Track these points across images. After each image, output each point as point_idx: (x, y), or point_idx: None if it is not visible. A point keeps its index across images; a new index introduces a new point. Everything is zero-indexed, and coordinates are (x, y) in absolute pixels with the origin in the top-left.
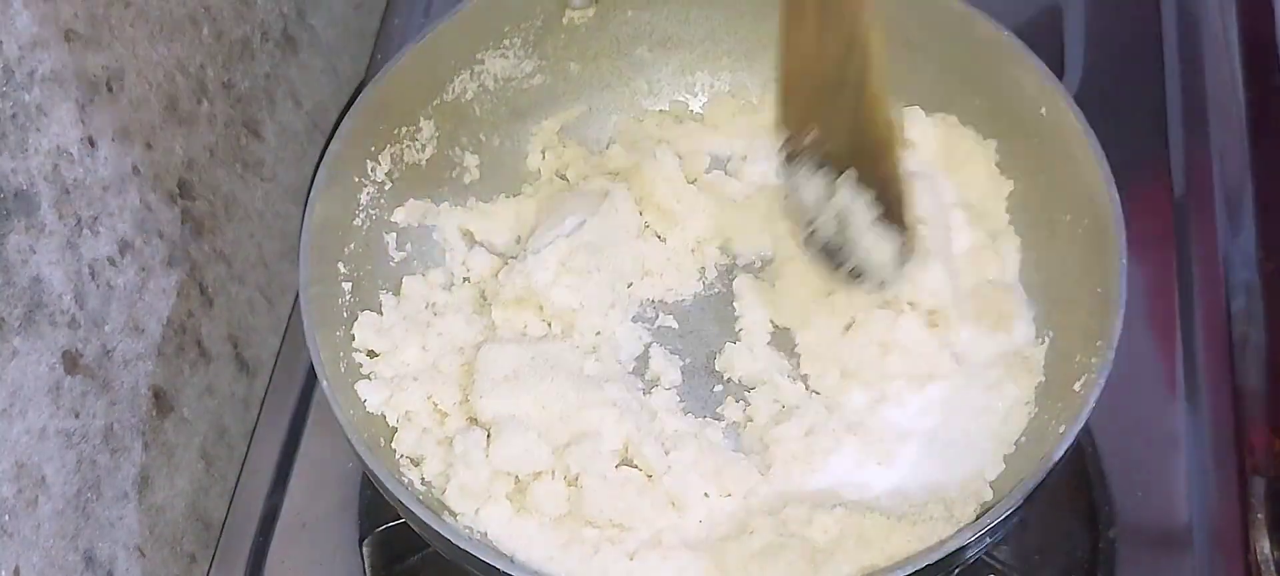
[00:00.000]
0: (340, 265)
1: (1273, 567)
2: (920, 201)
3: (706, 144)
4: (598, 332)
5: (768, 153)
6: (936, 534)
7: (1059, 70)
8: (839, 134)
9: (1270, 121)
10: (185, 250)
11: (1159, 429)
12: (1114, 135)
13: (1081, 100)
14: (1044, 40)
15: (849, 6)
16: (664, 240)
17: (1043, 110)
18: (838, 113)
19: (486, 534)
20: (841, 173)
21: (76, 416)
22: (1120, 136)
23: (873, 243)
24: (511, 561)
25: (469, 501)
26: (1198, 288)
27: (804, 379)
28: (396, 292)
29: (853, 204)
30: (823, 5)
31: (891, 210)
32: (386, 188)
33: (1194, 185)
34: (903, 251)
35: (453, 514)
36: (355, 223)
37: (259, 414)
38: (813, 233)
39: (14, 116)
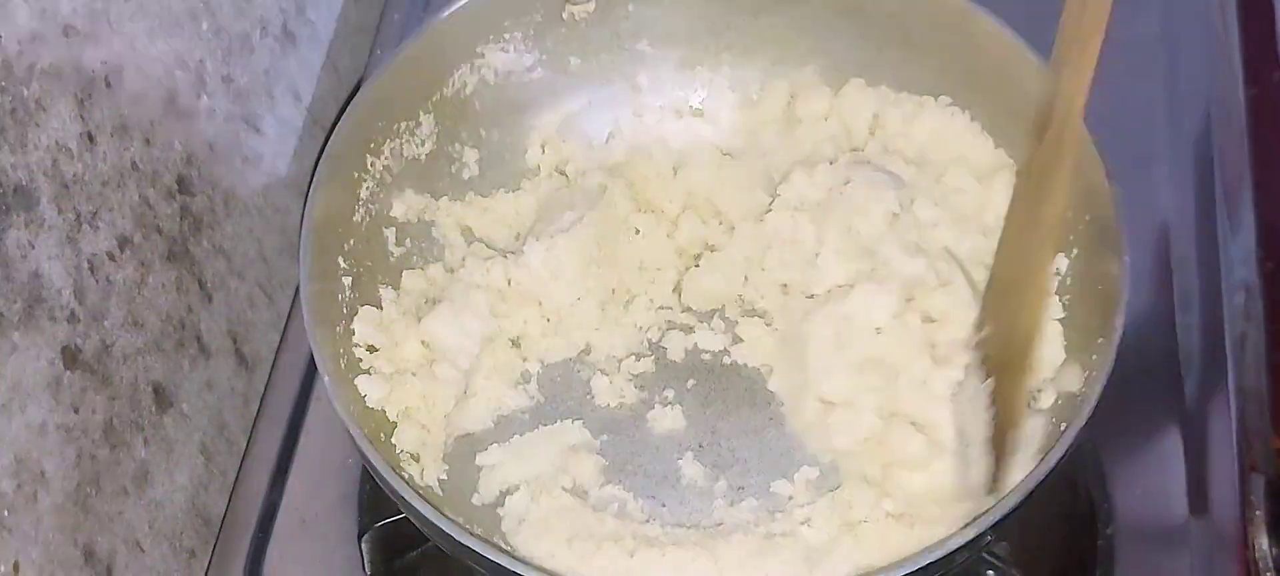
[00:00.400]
0: (340, 260)
1: (1271, 565)
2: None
3: (706, 139)
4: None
5: (766, 147)
6: (935, 533)
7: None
8: (1001, 334)
9: (1270, 119)
10: (185, 245)
11: (1157, 427)
12: (1114, 132)
13: None
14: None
15: (1046, 211)
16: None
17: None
18: (1004, 314)
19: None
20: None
21: (76, 411)
22: (1120, 133)
23: (974, 458)
24: (511, 557)
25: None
26: (1197, 285)
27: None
28: (396, 287)
29: (980, 412)
30: (1030, 204)
31: (999, 432)
32: (386, 182)
33: (1194, 183)
34: (989, 481)
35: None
36: (355, 218)
37: (259, 409)
38: None
39: (13, 111)
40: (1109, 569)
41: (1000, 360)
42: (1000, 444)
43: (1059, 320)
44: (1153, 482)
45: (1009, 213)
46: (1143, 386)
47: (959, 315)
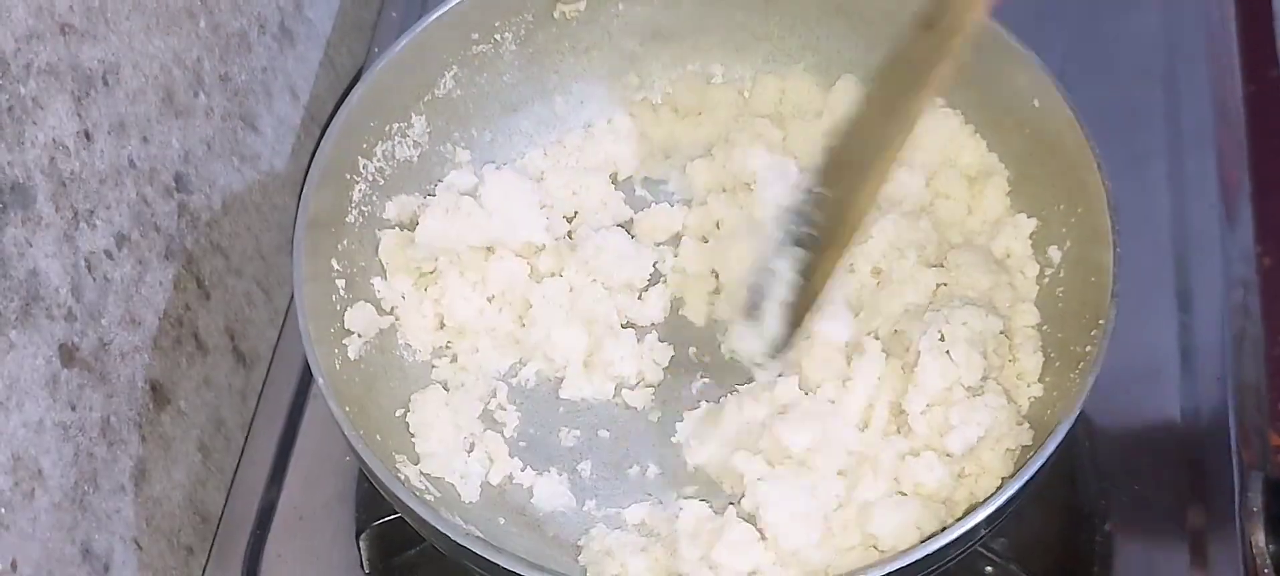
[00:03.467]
0: (334, 261)
1: (1269, 562)
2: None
3: (697, 136)
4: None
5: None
6: (933, 525)
7: (1056, 62)
8: (829, 208)
9: (1268, 116)
10: (182, 243)
11: (1155, 422)
12: (1113, 129)
13: (1076, 92)
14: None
15: (904, 109)
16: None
17: (1035, 101)
18: (837, 188)
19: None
20: (803, 242)
21: (73, 409)
22: (1118, 130)
23: (767, 321)
24: (506, 554)
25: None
26: (1195, 282)
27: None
28: (390, 288)
29: (785, 275)
30: (891, 94)
31: (800, 305)
32: (379, 184)
33: (1191, 178)
34: (775, 346)
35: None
36: (348, 219)
37: (256, 406)
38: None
39: (10, 109)
40: (1107, 564)
41: (822, 230)
42: (799, 311)
43: (1052, 315)
44: (1151, 478)
45: (876, 85)
46: (1141, 382)
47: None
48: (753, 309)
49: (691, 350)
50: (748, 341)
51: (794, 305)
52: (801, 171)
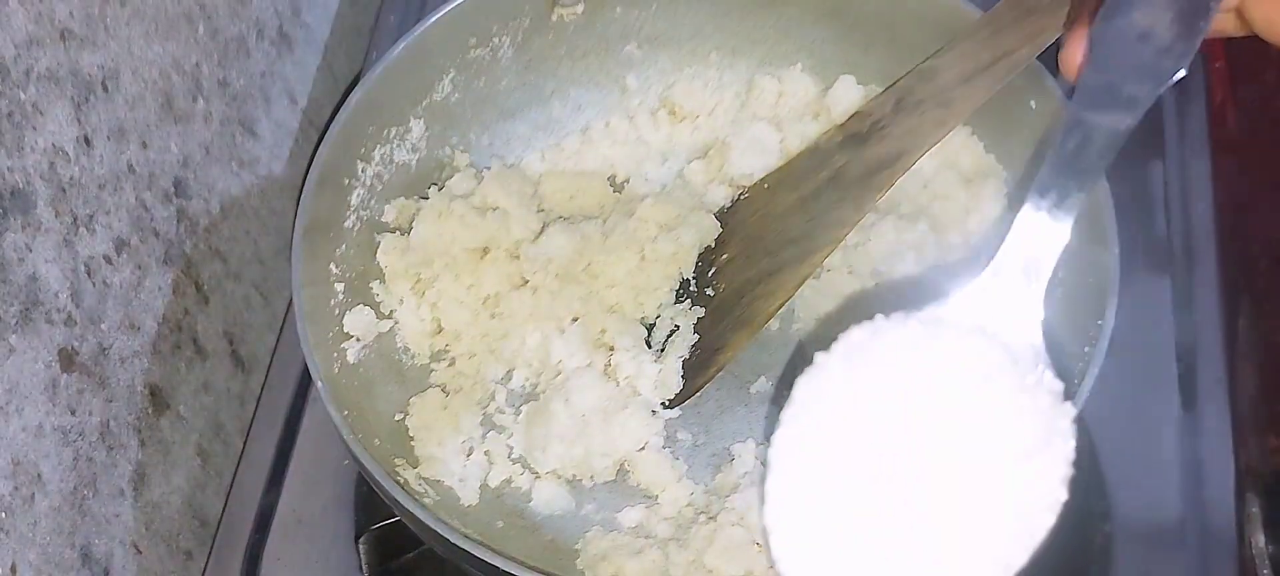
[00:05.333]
0: (332, 266)
1: (1268, 562)
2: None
3: (694, 139)
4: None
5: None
6: None
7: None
8: (733, 281)
9: (1265, 115)
10: (181, 248)
11: (1154, 423)
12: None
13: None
14: None
15: (831, 217)
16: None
17: (1032, 102)
18: (747, 266)
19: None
20: (700, 302)
21: (73, 413)
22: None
23: (664, 372)
24: (505, 557)
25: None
26: (1194, 281)
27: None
28: (389, 292)
29: (685, 332)
30: (818, 193)
31: (695, 370)
32: (377, 188)
33: (1190, 178)
34: (669, 403)
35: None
36: (346, 223)
37: (255, 410)
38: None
39: (10, 115)
40: (1105, 566)
41: (722, 296)
42: (694, 371)
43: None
44: (1149, 479)
45: (783, 171)
46: (1140, 383)
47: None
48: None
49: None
50: (643, 382)
51: (690, 364)
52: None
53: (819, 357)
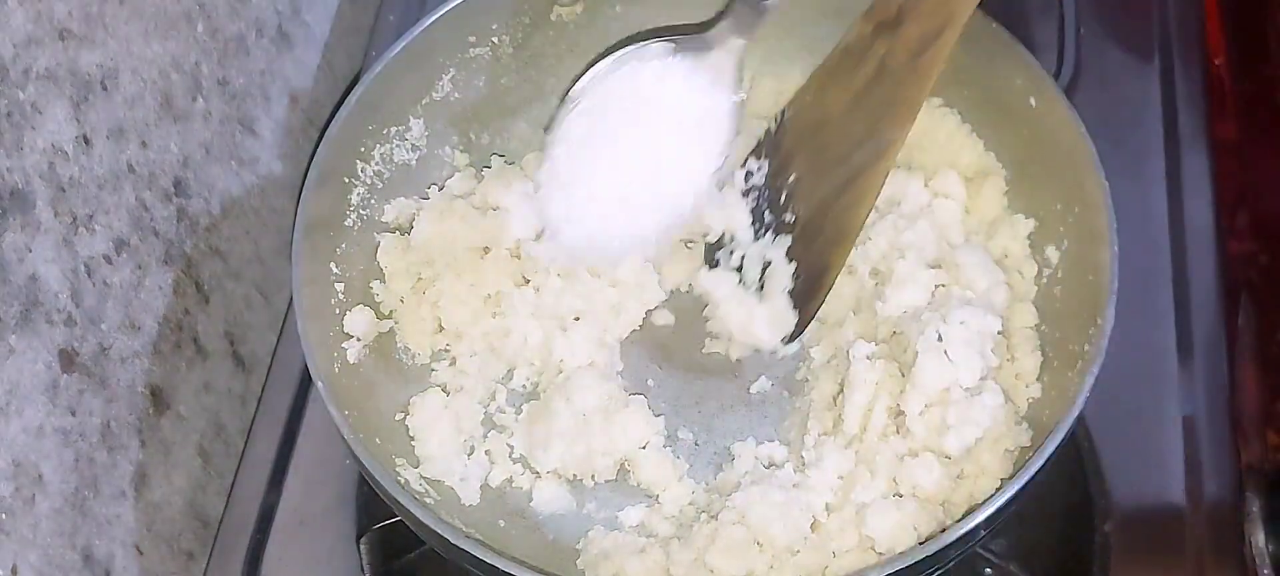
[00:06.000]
0: (332, 265)
1: (1269, 562)
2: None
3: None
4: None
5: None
6: (931, 527)
7: (1055, 61)
8: (811, 199)
9: (1263, 113)
10: (181, 247)
11: (1154, 422)
12: (1105, 126)
13: (1073, 91)
14: (1039, 32)
15: (893, 108)
16: None
17: (1032, 100)
18: (822, 180)
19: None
20: (786, 229)
21: (73, 414)
22: (1112, 127)
23: (774, 310)
24: (506, 557)
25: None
26: (1192, 281)
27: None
28: (389, 291)
29: (780, 264)
30: (869, 88)
31: (806, 294)
32: (377, 187)
33: (1189, 177)
34: (789, 337)
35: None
36: (347, 223)
37: (256, 410)
38: (718, 242)
39: (9, 115)
40: (1106, 564)
41: (814, 220)
42: (805, 298)
43: (1050, 315)
44: (1150, 478)
45: (826, 74)
46: (1140, 382)
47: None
48: (716, 264)
49: (689, 353)
50: (757, 325)
51: (798, 293)
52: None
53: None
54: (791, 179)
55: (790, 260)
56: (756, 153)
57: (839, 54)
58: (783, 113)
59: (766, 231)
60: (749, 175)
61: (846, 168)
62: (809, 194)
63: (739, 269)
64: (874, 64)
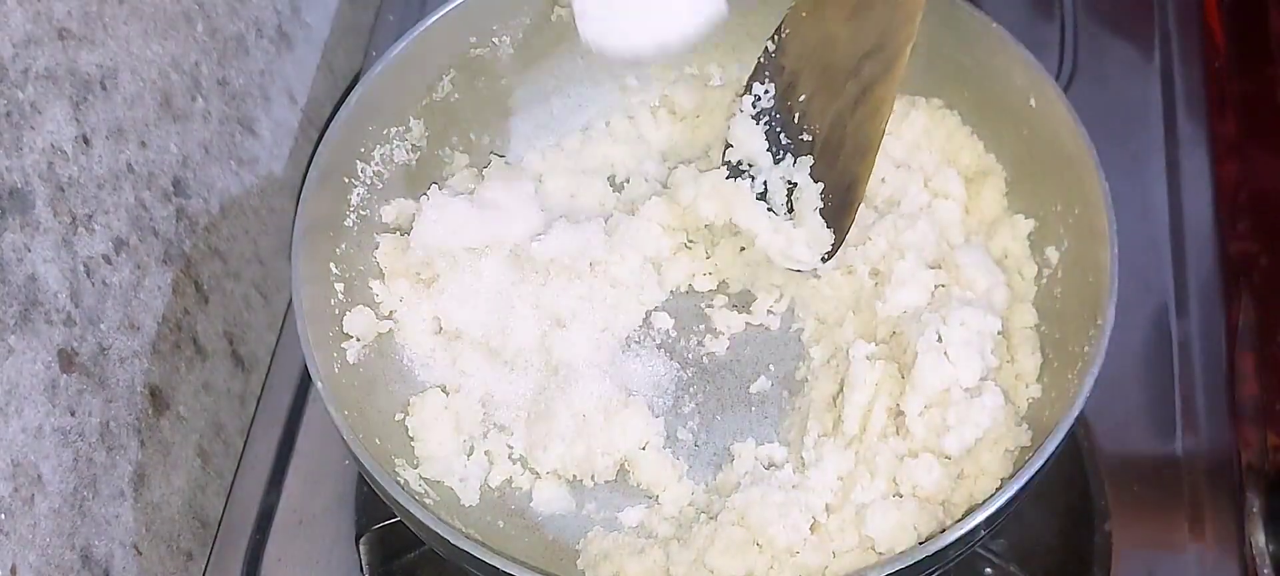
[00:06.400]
0: (332, 265)
1: (1269, 562)
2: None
3: (695, 138)
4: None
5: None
6: (931, 527)
7: (1055, 62)
8: (825, 116)
9: (1263, 114)
10: (180, 247)
11: (1154, 422)
12: (1105, 126)
13: (1073, 91)
14: (1039, 32)
15: (896, 15)
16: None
17: (1032, 101)
18: (835, 97)
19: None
20: (805, 149)
21: (73, 414)
22: (1112, 127)
23: (809, 231)
24: (505, 558)
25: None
26: (1192, 281)
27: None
28: (389, 291)
29: (807, 185)
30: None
31: (837, 211)
32: (377, 187)
33: (1188, 177)
34: (828, 254)
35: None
36: (346, 223)
37: (255, 410)
38: (737, 167)
39: (8, 115)
40: (1106, 565)
41: (832, 136)
42: (837, 214)
43: (1050, 315)
44: (1149, 478)
45: None
46: (1140, 382)
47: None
48: (738, 174)
49: (689, 353)
50: (796, 248)
51: (828, 210)
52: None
53: None
54: (802, 98)
55: (816, 180)
56: (758, 76)
57: None
58: (779, 32)
59: (785, 154)
60: (757, 100)
61: (857, 81)
62: (822, 111)
63: (763, 195)
64: None
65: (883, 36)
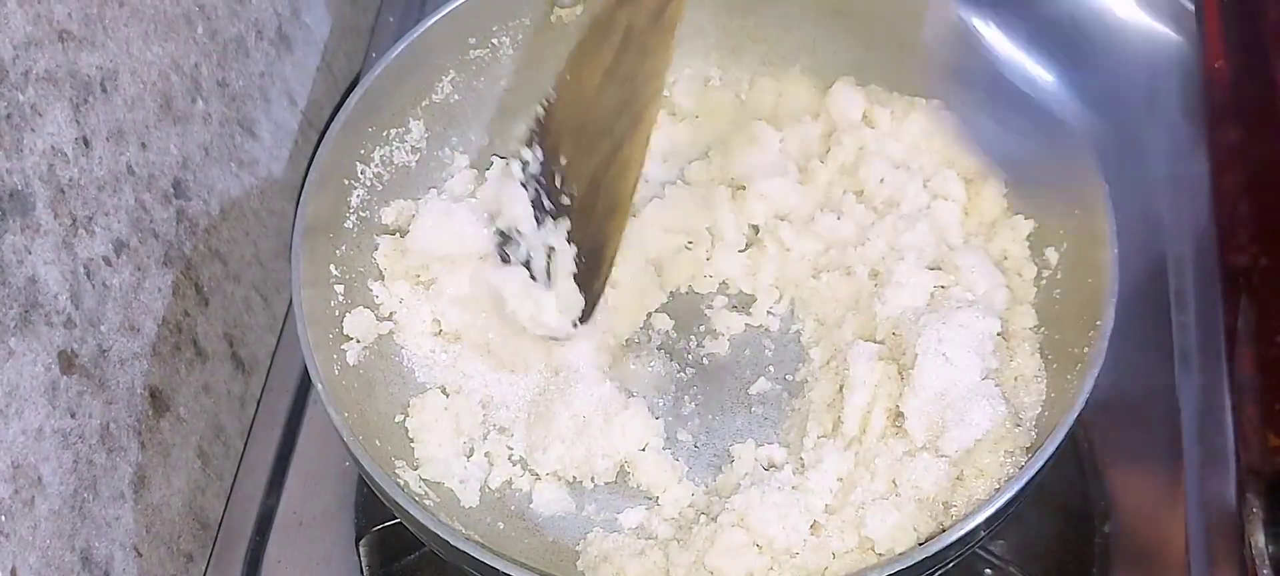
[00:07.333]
0: (332, 267)
1: (1268, 563)
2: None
3: (694, 138)
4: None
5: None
6: (930, 528)
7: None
8: (582, 178)
9: (1262, 115)
10: (180, 249)
11: (1154, 423)
12: (1109, 127)
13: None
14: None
15: (642, 72)
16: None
17: None
18: (589, 157)
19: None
20: (563, 212)
21: (73, 416)
22: (1115, 129)
23: (562, 295)
24: (506, 559)
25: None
26: (1192, 282)
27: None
28: (388, 293)
29: (562, 248)
30: (619, 57)
31: (588, 274)
32: (377, 189)
33: (1188, 178)
34: (580, 318)
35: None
36: (346, 225)
37: (255, 412)
38: (503, 237)
39: (9, 116)
40: (1106, 566)
41: (586, 198)
42: (589, 277)
43: (1050, 317)
44: (1150, 478)
45: (576, 53)
46: (1140, 383)
47: None
48: (507, 259)
49: (689, 354)
50: (546, 313)
51: (581, 275)
52: (530, 143)
53: None
54: (563, 162)
55: (571, 243)
56: (529, 142)
57: (588, 31)
58: (547, 99)
59: (547, 217)
60: (525, 165)
61: (610, 139)
62: (579, 173)
63: (527, 263)
64: (620, 33)
65: (632, 93)
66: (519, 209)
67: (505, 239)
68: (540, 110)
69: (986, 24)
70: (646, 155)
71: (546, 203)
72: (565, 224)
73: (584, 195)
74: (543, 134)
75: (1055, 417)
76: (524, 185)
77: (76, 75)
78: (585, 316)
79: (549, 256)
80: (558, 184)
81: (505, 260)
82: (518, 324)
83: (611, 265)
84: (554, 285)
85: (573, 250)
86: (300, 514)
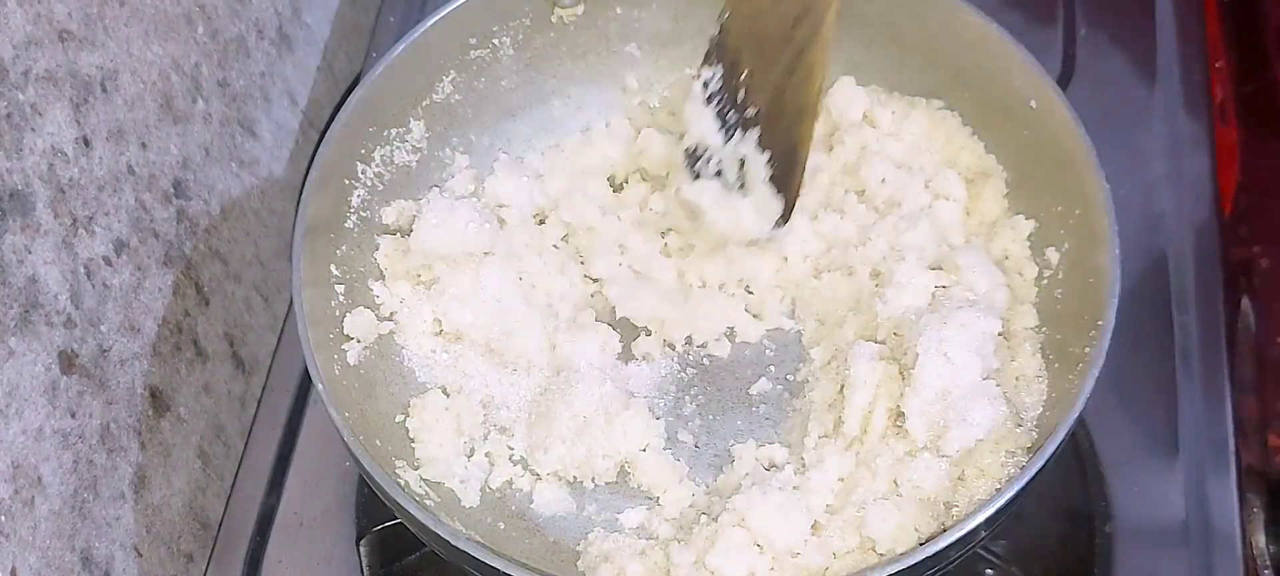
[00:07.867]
0: (333, 267)
1: (1269, 562)
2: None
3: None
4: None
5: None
6: (932, 528)
7: (1056, 62)
8: (766, 87)
9: (1263, 116)
10: (181, 249)
11: (1155, 423)
12: (1105, 126)
13: (1073, 91)
14: (1039, 32)
15: None
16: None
17: (1032, 102)
18: (772, 66)
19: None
20: (752, 123)
21: (73, 416)
22: (1112, 127)
23: (759, 200)
24: (506, 559)
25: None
26: (1193, 282)
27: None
28: (389, 293)
29: (754, 156)
30: None
31: (784, 176)
32: (377, 189)
33: (1189, 179)
34: (780, 220)
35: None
36: (347, 225)
37: (256, 412)
38: (692, 155)
39: (9, 116)
40: (1107, 566)
41: (774, 105)
42: (785, 181)
43: (1051, 317)
44: (1151, 480)
45: None
46: (1140, 384)
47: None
48: (698, 175)
49: (691, 355)
50: (745, 218)
51: (777, 178)
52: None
53: None
54: (744, 75)
55: (762, 149)
56: (707, 61)
57: None
58: (722, 15)
59: (734, 131)
60: (706, 84)
61: (790, 48)
62: (762, 83)
63: (719, 174)
64: None
65: (808, 1)
66: (705, 125)
67: (696, 157)
68: (715, 31)
69: (987, 23)
70: (828, 62)
71: (731, 116)
72: (754, 133)
73: (770, 104)
74: (721, 51)
75: (1056, 417)
76: (707, 102)
77: (77, 75)
78: (785, 217)
79: (741, 166)
80: (740, 98)
81: (697, 177)
82: (717, 234)
83: (804, 166)
84: (750, 192)
85: (765, 155)
86: (301, 514)
